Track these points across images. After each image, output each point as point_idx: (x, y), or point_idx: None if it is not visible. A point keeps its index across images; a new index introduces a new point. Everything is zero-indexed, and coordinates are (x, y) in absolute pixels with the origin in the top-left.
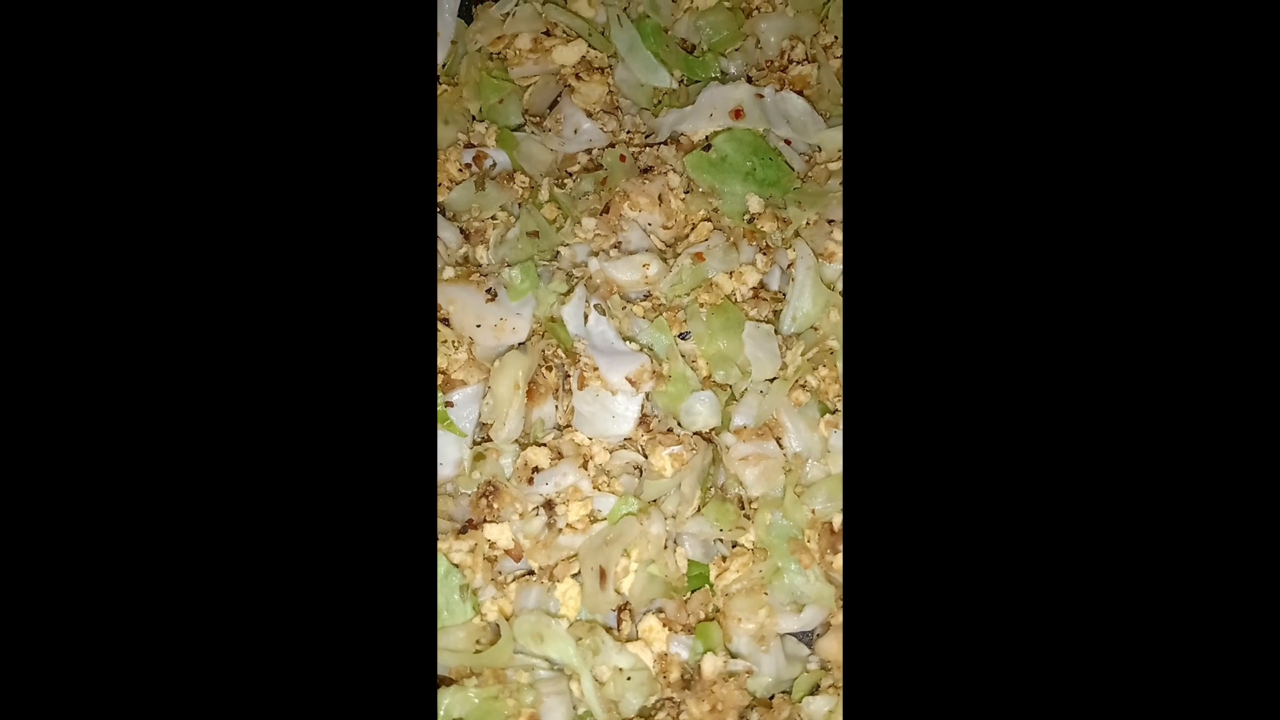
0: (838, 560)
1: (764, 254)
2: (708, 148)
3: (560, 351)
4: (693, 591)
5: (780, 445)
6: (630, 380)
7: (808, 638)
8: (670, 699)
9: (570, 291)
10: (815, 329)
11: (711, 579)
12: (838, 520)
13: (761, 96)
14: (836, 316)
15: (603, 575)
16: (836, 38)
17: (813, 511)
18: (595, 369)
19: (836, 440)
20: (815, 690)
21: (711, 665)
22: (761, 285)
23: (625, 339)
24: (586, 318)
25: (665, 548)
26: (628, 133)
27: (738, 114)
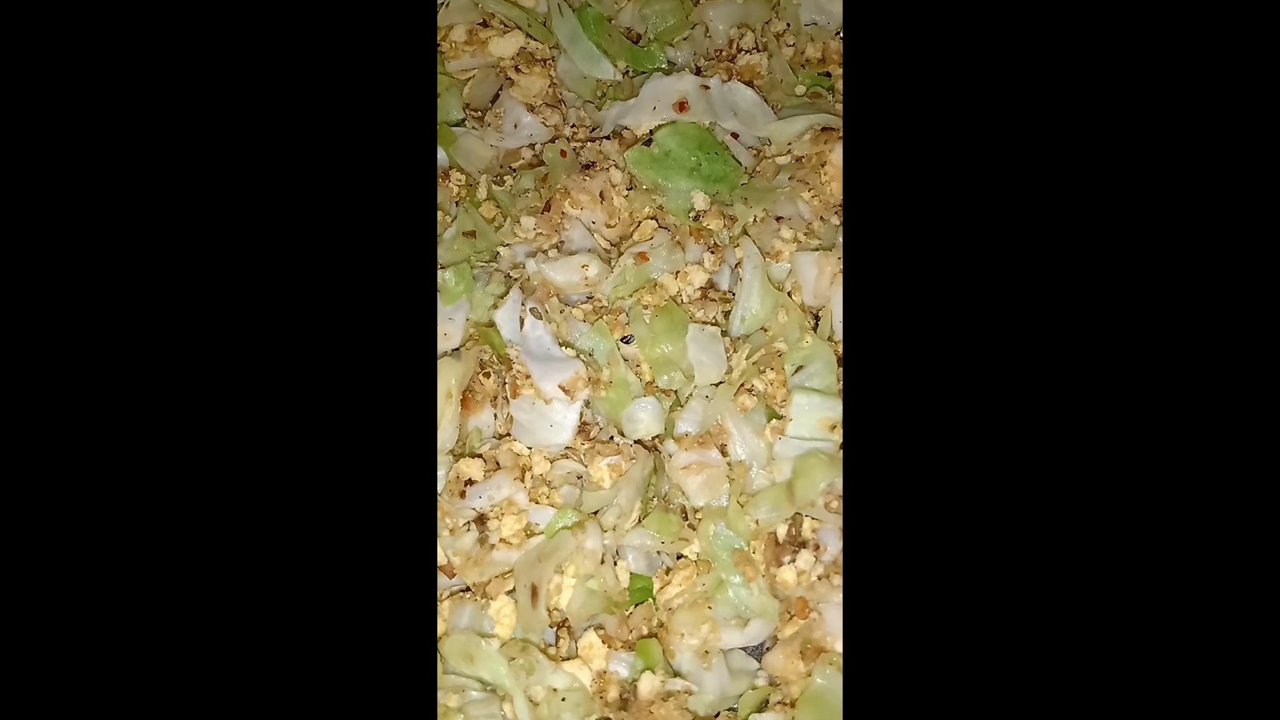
0: (783, 572)
1: (712, 253)
2: (649, 142)
3: (496, 359)
4: (636, 606)
5: (724, 453)
6: (564, 388)
7: (757, 652)
8: (608, 718)
9: (505, 295)
10: (765, 330)
11: (655, 593)
12: (782, 530)
13: (707, 88)
14: (785, 317)
15: (534, 593)
16: (789, 25)
17: (756, 522)
18: (528, 376)
19: (782, 447)
20: (764, 707)
21: (649, 685)
22: (711, 285)
23: (562, 344)
24: (522, 322)
25: (603, 562)
26: (572, 127)
27: (682, 106)
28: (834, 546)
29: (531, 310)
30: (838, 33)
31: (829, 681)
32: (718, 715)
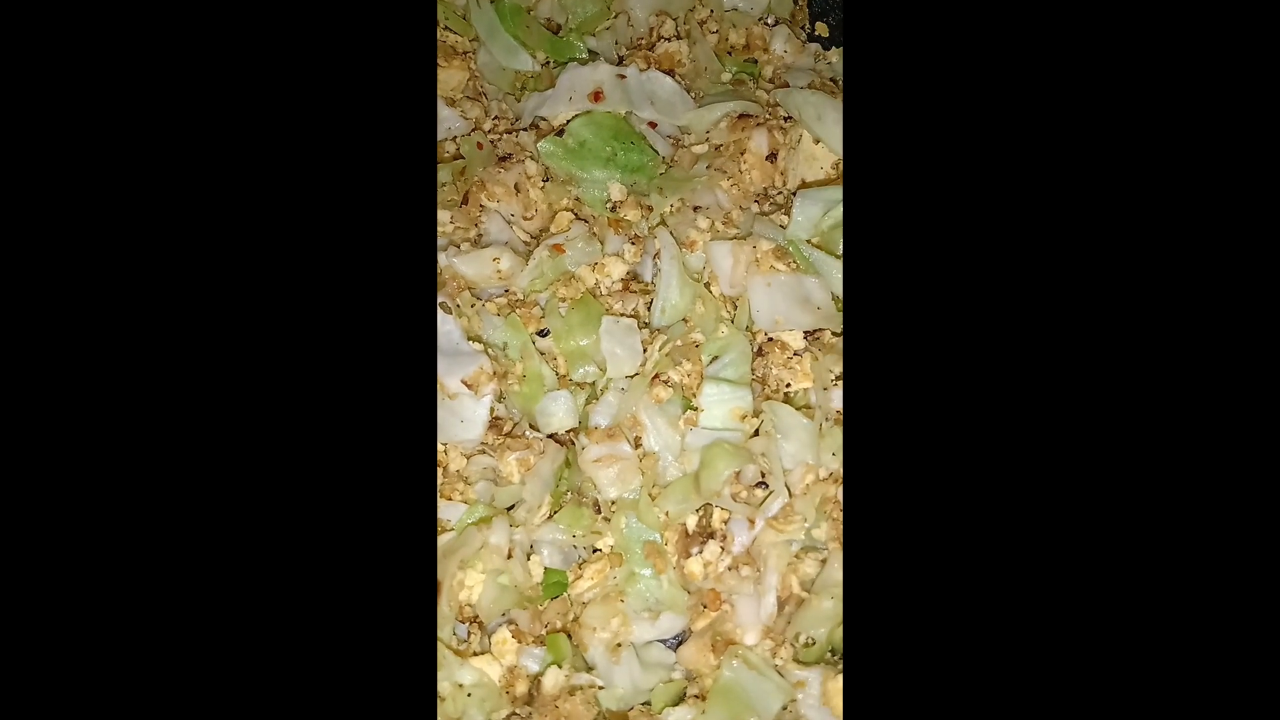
0: (689, 564)
1: (633, 244)
2: (561, 132)
3: None
4: (550, 600)
5: (638, 445)
6: (467, 383)
7: (673, 642)
8: (516, 714)
9: None
10: (685, 321)
11: (569, 586)
12: (693, 522)
13: (623, 77)
14: (703, 308)
15: (439, 589)
16: (712, 12)
17: (666, 514)
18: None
19: (694, 438)
20: (680, 700)
21: (553, 680)
22: (635, 277)
23: (472, 339)
24: None
25: (510, 557)
26: (494, 119)
27: (597, 96)
28: (743, 537)
29: (441, 305)
30: (761, 19)
31: (737, 674)
32: (631, 710)
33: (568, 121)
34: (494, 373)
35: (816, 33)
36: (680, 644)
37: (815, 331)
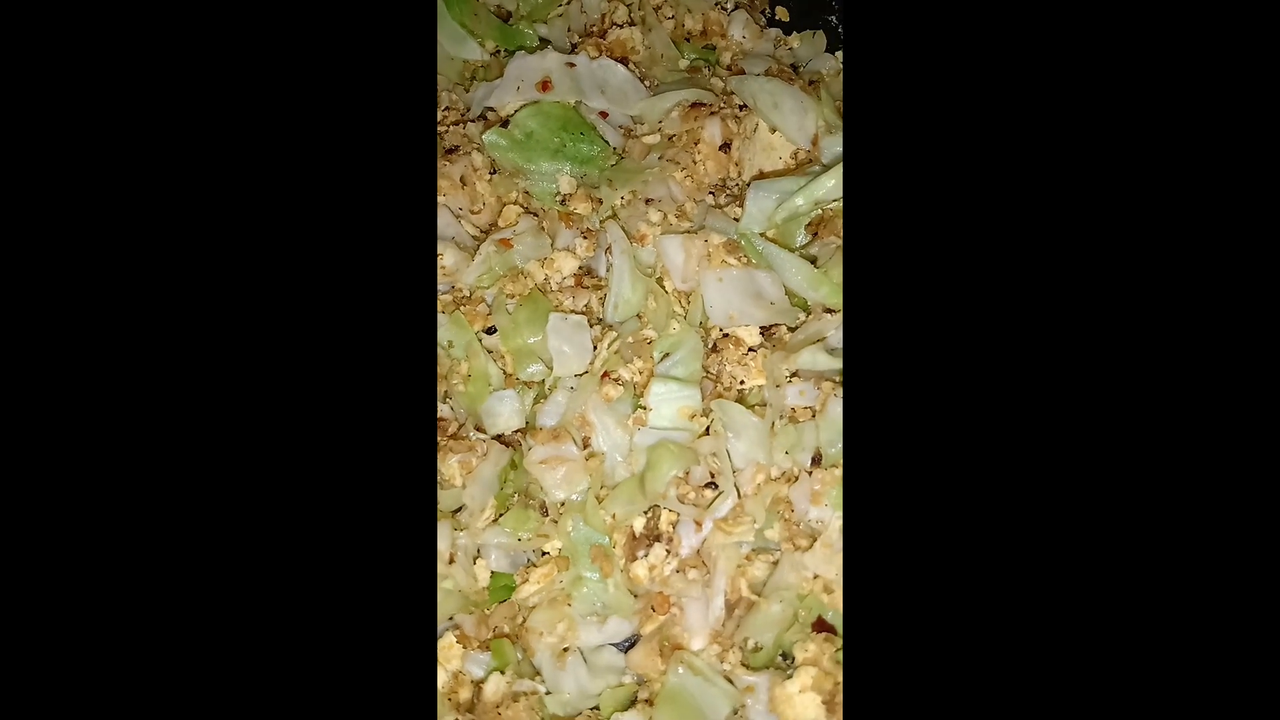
0: (634, 568)
1: (585, 238)
2: (506, 123)
3: None
4: (497, 604)
5: (586, 445)
6: None
7: (625, 645)
8: None
9: None
10: (640, 318)
11: (515, 590)
12: (640, 524)
13: (573, 65)
14: (655, 304)
15: None
16: None
17: (613, 516)
18: None
19: (641, 438)
20: (630, 705)
21: (494, 686)
22: (587, 272)
23: None
24: None
25: (452, 561)
26: (444, 110)
27: (545, 86)
28: (691, 539)
29: None
30: (717, 4)
31: (683, 681)
32: (579, 715)
33: (515, 112)
34: (438, 372)
35: (777, 17)
36: (631, 647)
37: (770, 327)
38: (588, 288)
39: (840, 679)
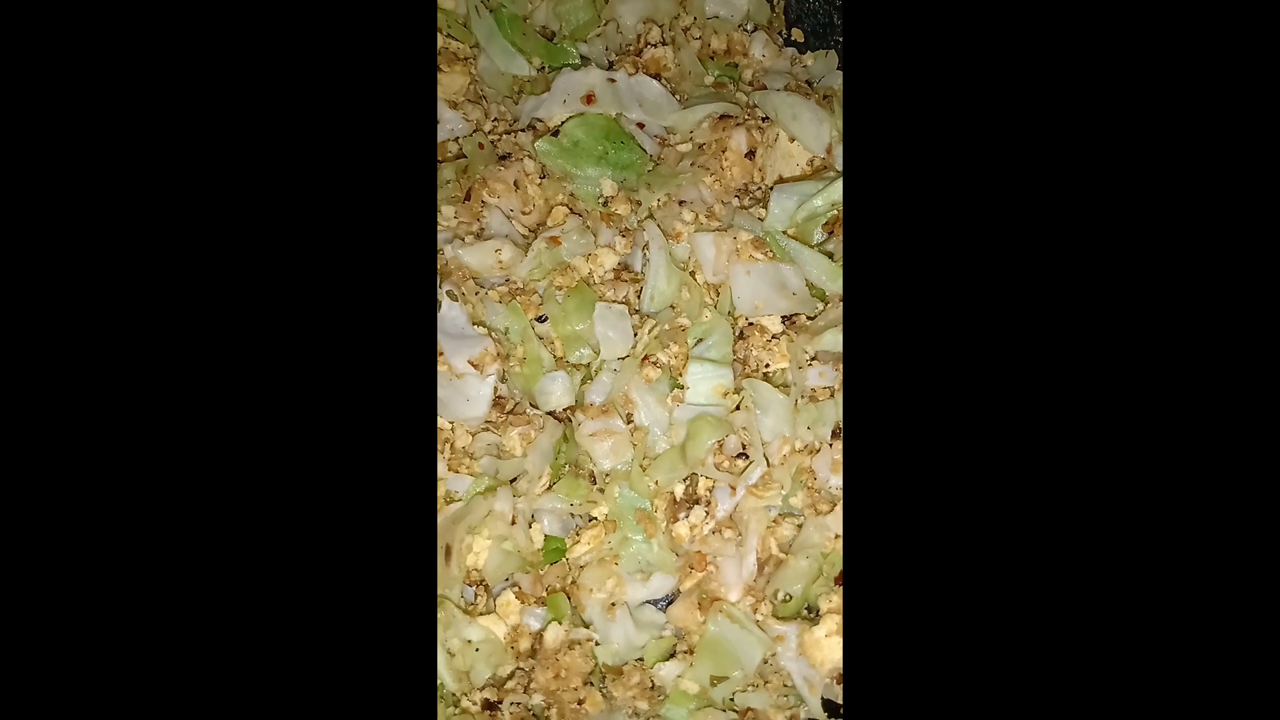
0: (677, 528)
1: (624, 236)
2: (556, 133)
3: None
4: (549, 565)
5: (630, 420)
6: (474, 363)
7: (664, 604)
8: (521, 669)
9: None
10: (673, 308)
11: (567, 552)
12: (680, 490)
13: (614, 81)
14: (688, 294)
15: (448, 553)
16: (695, 19)
17: (656, 483)
18: (442, 353)
19: (680, 413)
20: (670, 656)
21: (554, 635)
22: (625, 267)
23: (477, 324)
24: (440, 304)
25: (514, 524)
26: (494, 121)
27: (589, 99)
28: (726, 504)
29: (448, 293)
30: (740, 25)
31: (722, 629)
32: (625, 664)
33: (563, 123)
34: (498, 354)
35: (792, 38)
36: (669, 605)
37: (792, 315)
38: (625, 281)
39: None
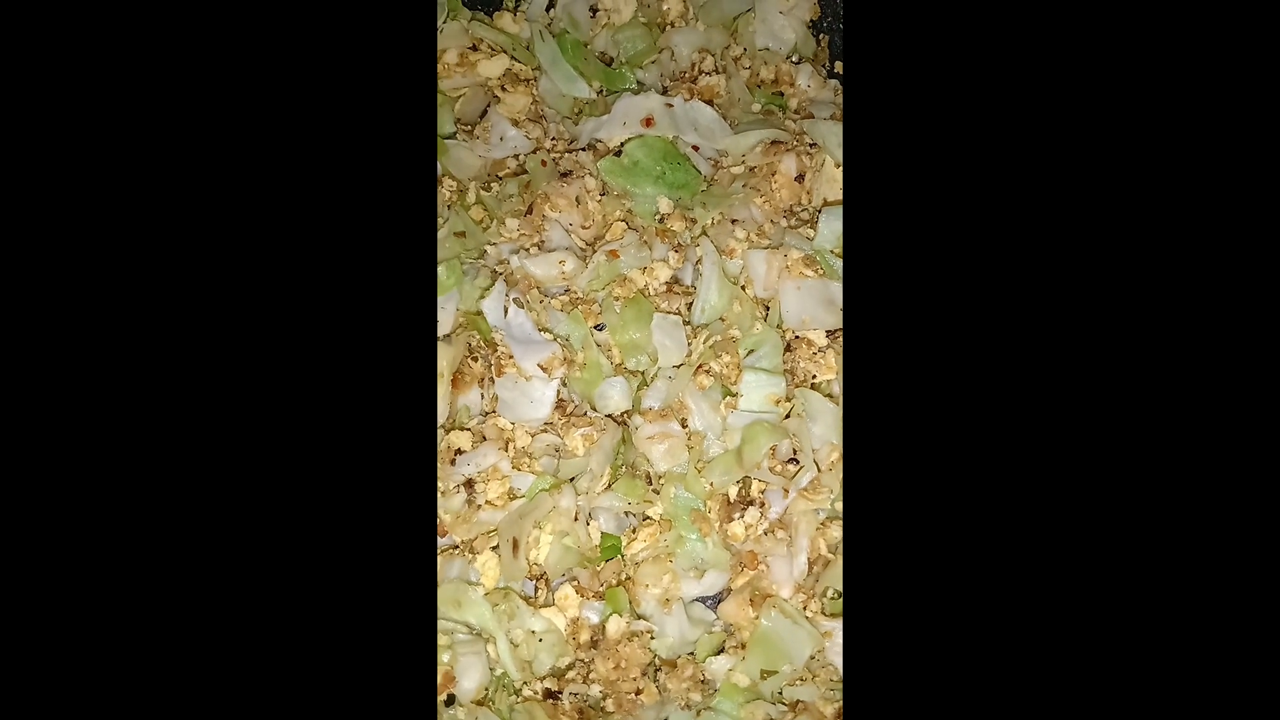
0: (732, 528)
1: (676, 251)
2: (619, 153)
3: (483, 343)
4: (606, 561)
5: (684, 425)
6: (543, 367)
7: (713, 602)
8: (580, 659)
9: (491, 287)
10: (722, 320)
11: (623, 549)
12: (734, 491)
13: (671, 106)
14: (739, 308)
15: (515, 545)
16: (745, 50)
17: (711, 485)
18: (511, 357)
19: (734, 419)
20: (719, 651)
21: (615, 626)
22: (676, 280)
23: (541, 330)
24: (506, 310)
25: (576, 520)
26: (552, 139)
27: (648, 122)
28: (777, 506)
29: (515, 300)
30: (788, 57)
31: (774, 623)
32: (679, 658)
33: (623, 143)
34: (564, 358)
35: (836, 70)
36: (719, 603)
37: (836, 330)
38: (677, 293)
39: None
